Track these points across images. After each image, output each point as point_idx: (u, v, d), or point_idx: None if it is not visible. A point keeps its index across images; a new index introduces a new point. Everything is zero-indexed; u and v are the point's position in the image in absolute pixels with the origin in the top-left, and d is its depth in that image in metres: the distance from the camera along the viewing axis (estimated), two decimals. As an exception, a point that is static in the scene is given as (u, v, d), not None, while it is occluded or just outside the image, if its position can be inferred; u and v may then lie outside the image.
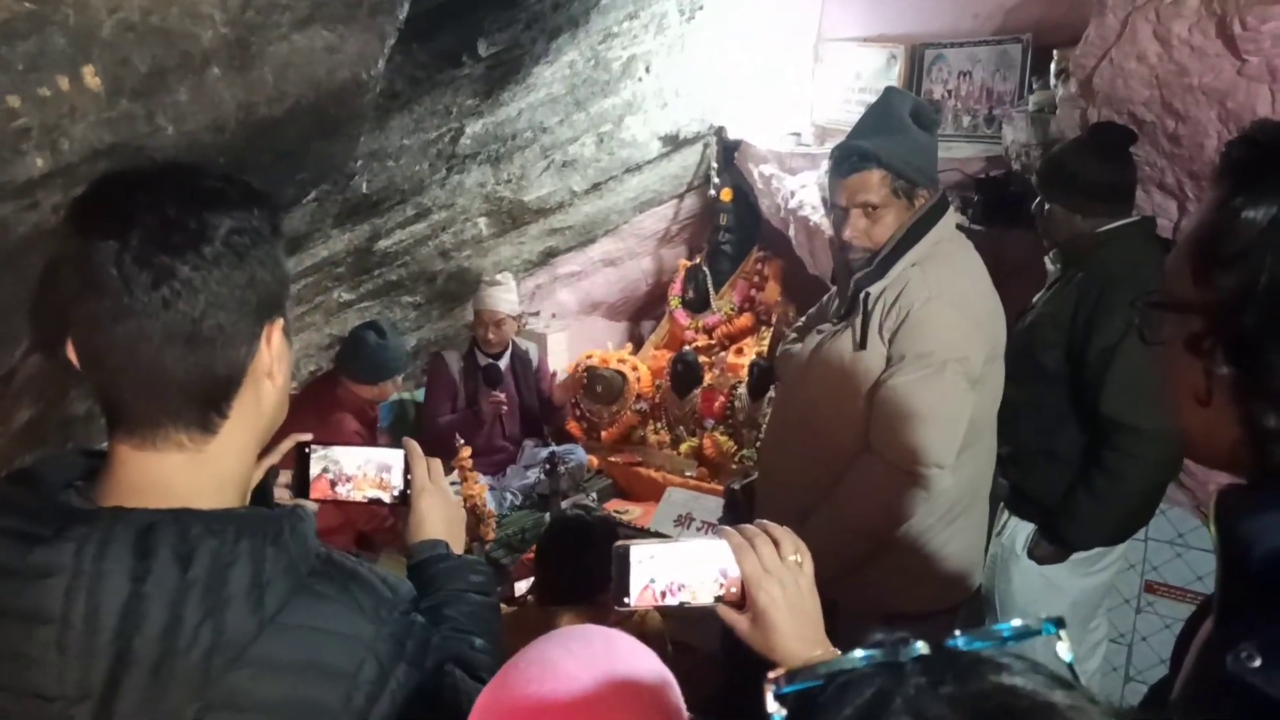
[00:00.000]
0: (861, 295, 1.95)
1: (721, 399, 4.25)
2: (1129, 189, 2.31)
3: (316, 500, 1.32)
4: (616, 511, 3.90)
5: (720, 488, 3.87)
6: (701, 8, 3.69)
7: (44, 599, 0.78)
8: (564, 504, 3.70)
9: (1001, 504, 2.47)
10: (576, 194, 4.11)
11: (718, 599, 1.02)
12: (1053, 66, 2.97)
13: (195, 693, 0.80)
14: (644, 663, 0.83)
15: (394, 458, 1.31)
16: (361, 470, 1.33)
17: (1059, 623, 0.49)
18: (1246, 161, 0.76)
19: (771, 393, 4.13)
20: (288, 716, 0.84)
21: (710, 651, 2.71)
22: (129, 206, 0.81)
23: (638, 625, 2.32)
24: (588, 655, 0.81)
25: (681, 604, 1.02)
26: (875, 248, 1.97)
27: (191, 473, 0.87)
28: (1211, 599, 0.96)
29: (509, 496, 3.90)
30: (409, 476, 1.29)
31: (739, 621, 1.01)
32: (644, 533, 3.50)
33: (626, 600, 1.00)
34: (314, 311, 3.68)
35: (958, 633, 0.50)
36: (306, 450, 1.31)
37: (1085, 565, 2.42)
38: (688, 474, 4.09)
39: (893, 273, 1.94)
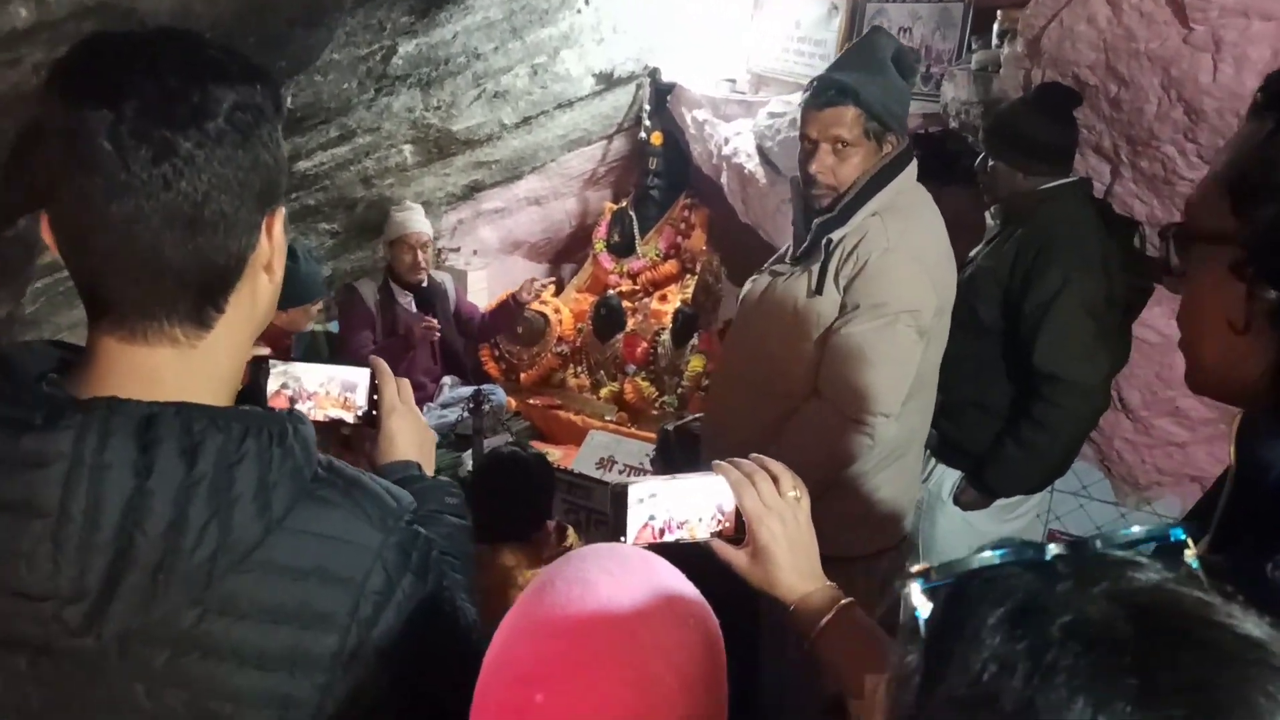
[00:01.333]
0: (824, 241, 1.94)
1: (644, 345, 4.24)
2: (1070, 150, 2.38)
3: (274, 416, 1.24)
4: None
5: (642, 433, 3.88)
6: (646, -59, 3.60)
7: (38, 489, 0.70)
8: (485, 443, 3.64)
9: (929, 451, 2.54)
10: (506, 127, 3.98)
11: (714, 535, 1.01)
12: (995, 26, 3.02)
13: (196, 596, 0.75)
14: (682, 583, 0.81)
15: (359, 376, 1.25)
16: (324, 388, 1.25)
17: (1187, 529, 0.49)
18: None
19: (694, 340, 4.15)
20: (291, 623, 0.78)
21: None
22: (125, 73, 0.73)
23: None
24: (627, 575, 0.77)
25: (679, 540, 1.00)
26: (839, 186, 1.96)
27: (182, 370, 0.80)
28: (1187, 522, 1.00)
29: (427, 434, 3.80)
30: (375, 396, 1.23)
31: (736, 557, 1.01)
32: (574, 478, 3.48)
33: (624, 539, 0.98)
34: (224, 233, 3.48)
35: (1095, 539, 0.49)
36: (264, 365, 1.23)
37: (1005, 512, 2.52)
38: (608, 418, 4.08)
39: (854, 220, 1.93)
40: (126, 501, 0.71)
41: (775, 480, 1.02)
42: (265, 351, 1.26)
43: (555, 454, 3.91)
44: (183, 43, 0.77)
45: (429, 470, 1.24)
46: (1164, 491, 2.92)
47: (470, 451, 3.63)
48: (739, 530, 1.02)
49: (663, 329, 4.23)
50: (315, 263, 3.36)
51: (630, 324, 4.35)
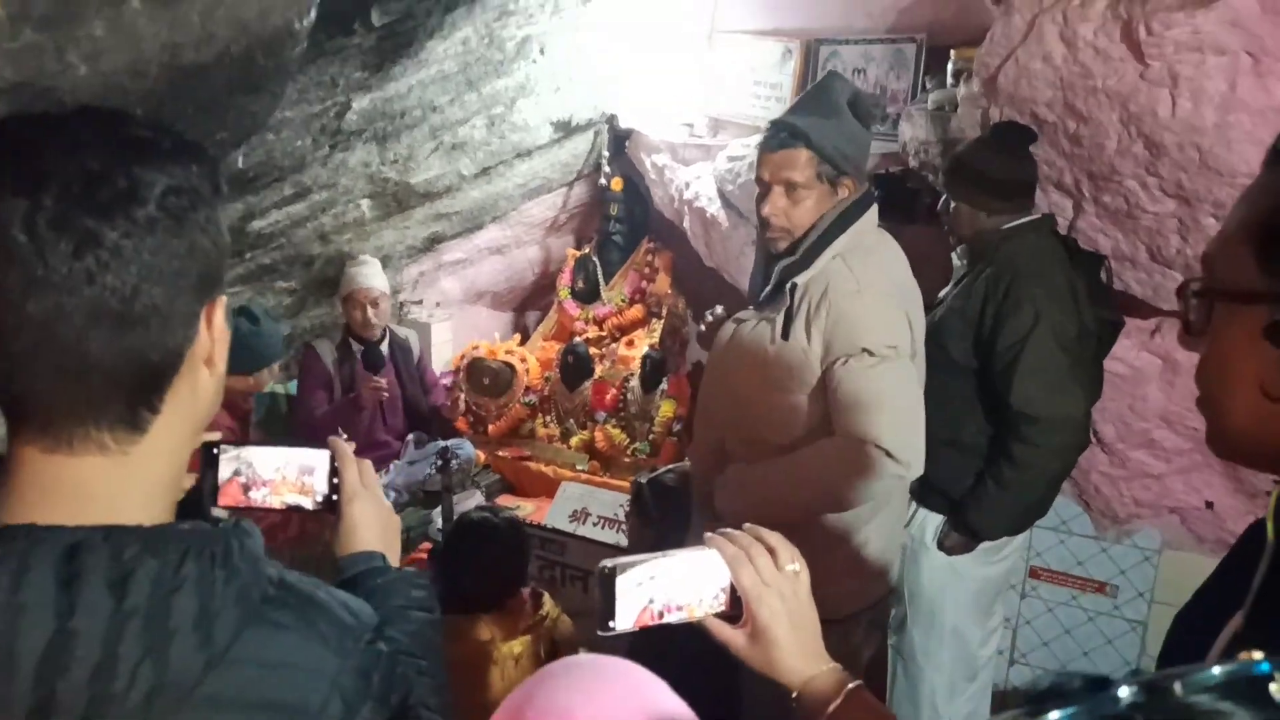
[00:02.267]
0: (789, 286, 1.91)
1: (613, 391, 4.17)
2: (1030, 186, 2.38)
3: (226, 508, 1.16)
4: (506, 509, 3.76)
5: (615, 481, 3.80)
6: (599, -10, 3.60)
7: None
8: (454, 498, 3.54)
9: (908, 496, 2.50)
10: (465, 178, 3.93)
11: (713, 614, 0.94)
12: (950, 66, 3.04)
13: None
14: (667, 699, 0.73)
15: (317, 459, 1.18)
16: (280, 473, 1.18)
17: (1276, 664, 0.43)
18: None
19: (664, 385, 4.09)
20: None
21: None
22: (41, 158, 0.67)
23: (549, 630, 2.21)
24: (607, 695, 0.70)
25: (679, 622, 0.93)
26: (792, 230, 1.95)
27: (115, 480, 0.73)
28: (1207, 593, 0.95)
29: (393, 494, 3.70)
30: (335, 481, 1.16)
31: (734, 638, 0.94)
32: (548, 534, 3.39)
33: (612, 625, 0.91)
34: (178, 296, 3.38)
35: (1170, 679, 0.43)
36: (215, 451, 1.16)
37: (990, 554, 2.48)
38: (579, 468, 4.00)
39: (818, 263, 1.90)
40: (45, 647, 0.64)
41: (772, 553, 0.96)
42: (215, 436, 1.18)
43: (527, 508, 3.82)
44: (106, 121, 0.71)
45: (394, 559, 1.17)
46: (1143, 524, 2.90)
47: (440, 509, 3.53)
48: (735, 607, 0.95)
49: (631, 375, 4.18)
50: (274, 322, 3.28)
51: (598, 370, 4.29)
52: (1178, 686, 0.41)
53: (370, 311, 3.64)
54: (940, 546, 2.47)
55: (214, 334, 0.77)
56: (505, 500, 3.94)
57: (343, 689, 0.77)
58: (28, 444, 0.71)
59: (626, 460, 4.01)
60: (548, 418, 4.33)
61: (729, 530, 0.97)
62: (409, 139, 3.50)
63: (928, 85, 3.25)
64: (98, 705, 0.65)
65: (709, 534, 0.97)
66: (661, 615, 0.94)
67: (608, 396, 4.18)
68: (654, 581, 0.93)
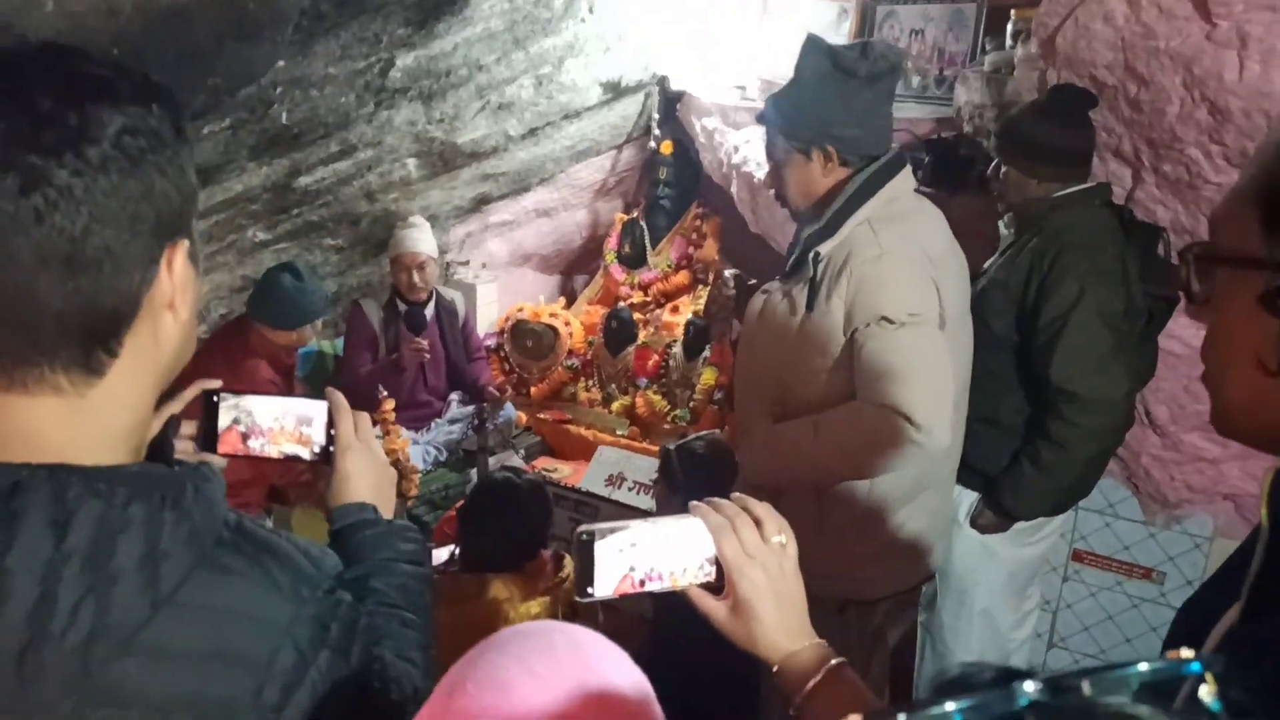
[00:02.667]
0: (811, 255, 1.85)
1: (656, 357, 4.15)
2: (1086, 154, 2.27)
3: (225, 455, 1.17)
4: (545, 470, 3.78)
5: (654, 447, 3.78)
6: (650, -53, 3.52)
7: None
8: (491, 460, 3.57)
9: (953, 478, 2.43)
10: (512, 139, 3.91)
11: (697, 584, 0.92)
12: (1009, 27, 2.91)
13: (71, 685, 0.66)
14: (618, 673, 0.70)
15: (316, 410, 1.17)
16: (278, 423, 1.18)
17: (1207, 663, 0.38)
18: None
19: (707, 352, 4.05)
20: (185, 714, 0.70)
21: (638, 613, 2.64)
22: None
23: (569, 593, 2.21)
24: (550, 669, 0.67)
25: (660, 591, 0.91)
26: (792, 203, 1.94)
27: (70, 422, 0.72)
28: (1216, 584, 0.89)
29: (432, 452, 3.74)
30: (332, 431, 1.15)
31: (716, 610, 0.90)
32: (582, 497, 3.39)
33: (590, 591, 0.88)
34: (226, 250, 3.43)
35: (1081, 677, 0.39)
36: (215, 399, 1.16)
37: (1025, 535, 2.41)
38: (619, 433, 4.00)
39: (842, 231, 1.82)
40: None
41: (758, 524, 0.92)
42: (215, 384, 1.19)
43: (565, 470, 3.84)
44: (61, 59, 0.70)
45: (387, 512, 1.16)
46: (1194, 510, 2.78)
47: (476, 469, 3.56)
48: (720, 578, 0.93)
49: (674, 341, 4.14)
50: (318, 279, 3.31)
51: (641, 336, 4.26)
52: (1086, 685, 0.37)
53: (416, 275, 3.66)
54: (973, 524, 2.39)
55: (175, 279, 0.75)
56: (544, 462, 3.96)
57: (296, 638, 0.76)
58: None
59: (666, 427, 3.98)
60: (590, 382, 4.32)
61: (715, 499, 0.94)
62: (455, 98, 3.49)
63: (987, 47, 3.12)
64: (35, 644, 0.65)
65: (694, 503, 0.94)
66: (643, 584, 0.91)
67: (650, 362, 4.16)
68: (635, 549, 0.91)
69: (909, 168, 1.89)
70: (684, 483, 2.48)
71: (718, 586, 0.92)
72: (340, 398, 1.17)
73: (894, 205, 1.83)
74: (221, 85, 1.37)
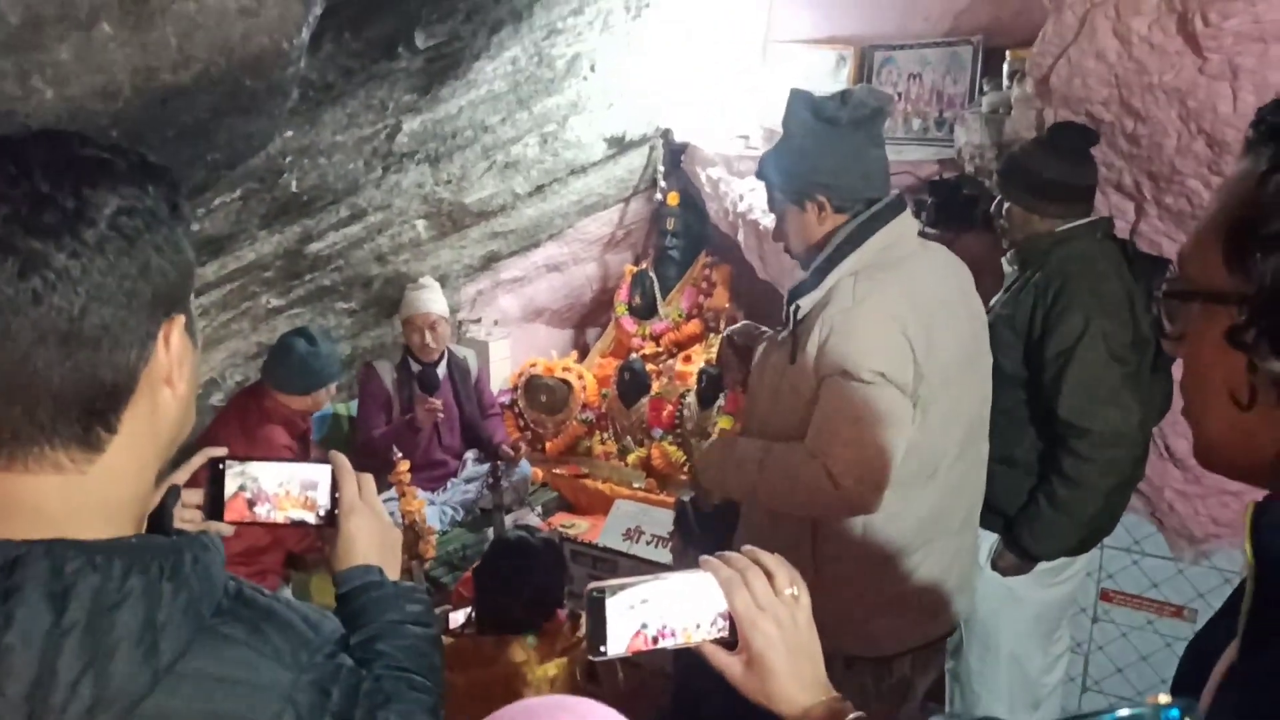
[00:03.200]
0: (792, 308, 1.84)
1: (670, 408, 4.14)
2: (1088, 190, 2.27)
3: (232, 523, 1.18)
4: (562, 526, 3.76)
5: (671, 499, 3.76)
6: (648, 5, 3.59)
7: None
8: (508, 519, 3.55)
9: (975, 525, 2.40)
10: (519, 196, 3.97)
11: (711, 639, 0.91)
12: (1005, 67, 2.95)
13: None
14: None
15: (320, 474, 1.18)
16: (283, 488, 1.19)
17: (1185, 709, 0.38)
18: None
19: (721, 401, 4.04)
20: None
21: (659, 667, 2.60)
22: None
23: (584, 651, 2.18)
24: None
25: (674, 648, 0.90)
26: (794, 253, 1.94)
27: (71, 497, 0.72)
28: (1221, 618, 0.87)
29: (449, 512, 3.73)
30: (336, 495, 1.15)
31: (730, 665, 0.89)
32: (600, 553, 3.37)
33: (603, 650, 0.87)
34: (240, 318, 3.48)
35: None
36: (220, 466, 1.17)
37: (1049, 576, 2.36)
38: (636, 485, 3.98)
39: (826, 283, 1.79)
40: None
41: (770, 576, 0.91)
42: (221, 452, 1.20)
43: (583, 525, 3.81)
44: (59, 143, 0.72)
45: (393, 573, 1.16)
46: (1222, 544, 2.73)
47: (493, 528, 3.54)
48: (734, 633, 0.91)
49: (688, 391, 4.14)
50: (331, 343, 3.34)
51: (655, 387, 4.26)
52: None
53: (429, 336, 3.68)
54: (994, 567, 2.35)
55: (172, 354, 0.76)
56: (562, 518, 3.94)
57: (297, 704, 0.75)
58: None
59: (683, 478, 3.96)
60: (605, 435, 4.32)
61: (726, 553, 0.94)
62: (461, 159, 3.55)
63: (985, 88, 3.16)
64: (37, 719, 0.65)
65: (704, 557, 0.94)
66: (656, 641, 0.90)
67: (664, 413, 4.15)
68: (647, 605, 0.90)
69: (907, 213, 1.86)
70: (699, 534, 2.46)
71: (731, 641, 0.91)
72: (343, 460, 1.17)
73: (888, 253, 1.80)
74: (220, 160, 1.40)
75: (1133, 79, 2.18)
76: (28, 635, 0.65)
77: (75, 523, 0.72)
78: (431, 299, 3.70)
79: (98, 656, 0.67)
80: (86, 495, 0.73)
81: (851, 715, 0.88)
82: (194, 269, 0.82)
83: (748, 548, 0.94)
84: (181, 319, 0.78)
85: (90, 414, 0.72)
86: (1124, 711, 0.38)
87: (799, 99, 1.84)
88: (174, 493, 0.92)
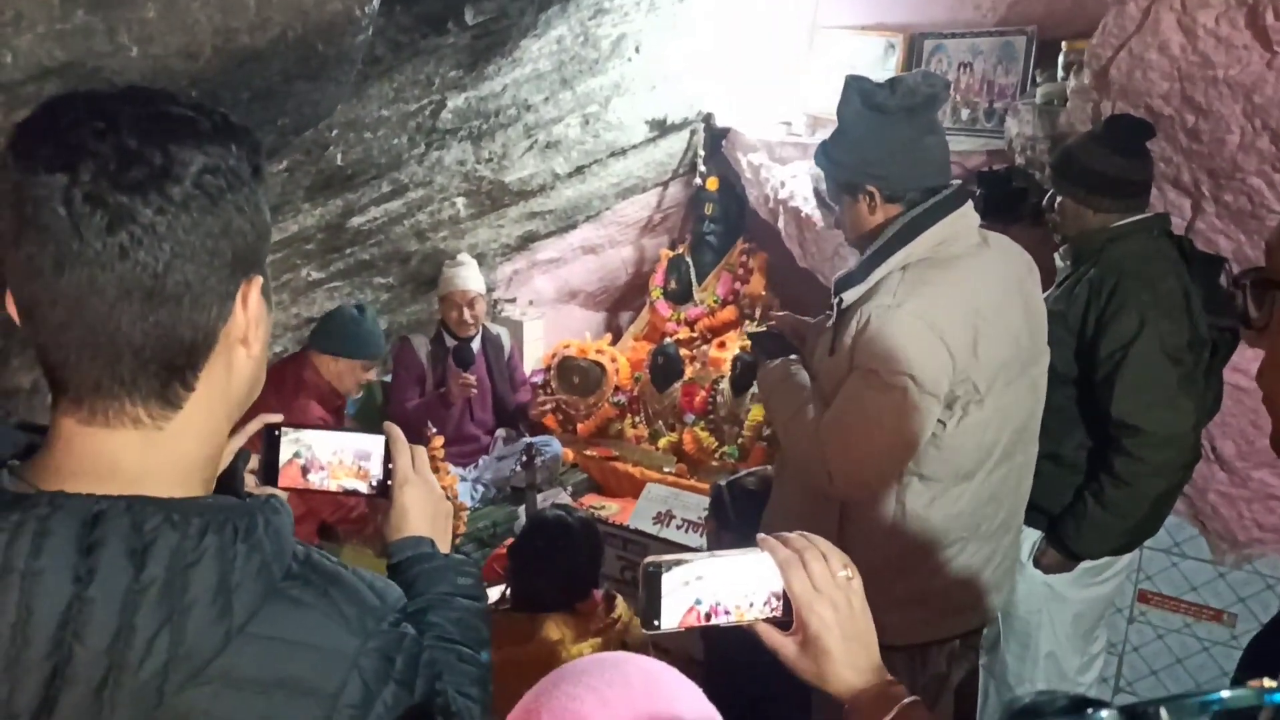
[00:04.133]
0: (836, 300, 1.82)
1: (703, 393, 4.13)
2: (1144, 185, 2.23)
3: (286, 489, 1.19)
4: (593, 507, 3.77)
5: (701, 485, 3.76)
6: (695, -13, 3.57)
7: None
8: (539, 497, 3.56)
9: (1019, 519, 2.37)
10: (559, 177, 3.96)
11: (764, 619, 0.90)
12: (1060, 58, 2.89)
13: (147, 714, 0.67)
14: (691, 707, 0.70)
15: (374, 444, 1.18)
16: (337, 457, 1.20)
17: None
18: None
19: (754, 388, 4.02)
20: None
21: (688, 654, 2.60)
22: (81, 134, 0.67)
23: (620, 634, 2.18)
24: (623, 700, 0.67)
25: (727, 625, 0.90)
26: (854, 243, 1.90)
27: (147, 453, 0.73)
28: (1261, 701, 0.86)
29: (481, 488, 3.75)
30: (390, 466, 1.16)
31: (785, 646, 0.89)
32: (630, 535, 3.37)
33: (657, 624, 0.88)
34: (281, 290, 3.50)
35: (1159, 704, 0.38)
36: (276, 433, 1.18)
37: (1090, 575, 2.34)
38: (666, 470, 3.97)
39: (874, 276, 1.75)
40: (63, 612, 0.65)
41: (825, 558, 0.91)
42: (277, 418, 1.21)
43: (613, 508, 3.82)
44: (146, 101, 0.72)
45: (444, 545, 1.16)
46: (1265, 549, 2.68)
47: (525, 506, 3.55)
48: (786, 613, 0.91)
49: (721, 377, 4.12)
50: (379, 325, 3.37)
51: (688, 372, 4.25)
52: (1164, 712, 0.36)
53: (466, 312, 3.70)
54: (1036, 564, 2.33)
55: (250, 314, 0.76)
56: (591, 500, 3.95)
57: (363, 670, 0.76)
58: (66, 415, 0.72)
59: (714, 463, 3.96)
60: (637, 418, 4.31)
61: (783, 534, 0.93)
62: (503, 137, 3.54)
63: (1038, 79, 3.10)
64: (115, 673, 0.65)
65: (761, 535, 0.93)
66: (709, 617, 0.90)
67: (697, 398, 4.14)
68: (701, 582, 0.90)
69: (968, 206, 1.81)
70: (735, 520, 2.45)
71: (785, 622, 0.90)
72: (398, 431, 1.18)
73: (942, 248, 1.75)
74: (289, 125, 1.41)
75: (1196, 73, 2.13)
76: (109, 590, 0.66)
77: (151, 480, 0.72)
78: (470, 276, 3.71)
79: (174, 614, 0.67)
80: (162, 452, 0.74)
81: (907, 699, 0.87)
82: (270, 231, 0.82)
83: (803, 532, 0.94)
84: (259, 280, 0.78)
85: (170, 370, 0.72)
86: (1226, 693, 0.37)
87: (852, 86, 1.81)
88: (244, 455, 0.93)
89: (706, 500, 3.48)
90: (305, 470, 1.18)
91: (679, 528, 3.48)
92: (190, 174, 0.69)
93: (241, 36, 1.12)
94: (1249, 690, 0.40)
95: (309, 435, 1.19)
